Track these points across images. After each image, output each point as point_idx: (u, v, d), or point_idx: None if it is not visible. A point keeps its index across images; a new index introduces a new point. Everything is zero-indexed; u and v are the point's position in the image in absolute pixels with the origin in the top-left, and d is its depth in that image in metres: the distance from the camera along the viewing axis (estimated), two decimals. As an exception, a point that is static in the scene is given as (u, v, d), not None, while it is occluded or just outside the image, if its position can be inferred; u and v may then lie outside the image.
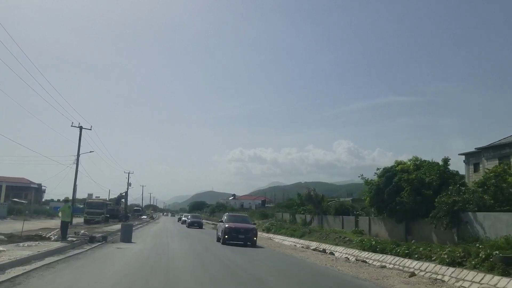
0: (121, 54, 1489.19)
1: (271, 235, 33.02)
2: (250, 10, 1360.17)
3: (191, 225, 43.41)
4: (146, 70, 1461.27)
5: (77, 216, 37.44)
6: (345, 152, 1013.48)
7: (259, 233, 36.73)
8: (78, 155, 34.80)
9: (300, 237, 27.80)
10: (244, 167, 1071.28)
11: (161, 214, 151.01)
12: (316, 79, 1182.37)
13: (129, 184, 72.98)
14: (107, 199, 62.08)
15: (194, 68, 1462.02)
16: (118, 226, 27.85)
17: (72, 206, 36.92)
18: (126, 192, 61.93)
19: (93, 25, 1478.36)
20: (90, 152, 35.81)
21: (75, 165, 34.89)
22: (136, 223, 44.36)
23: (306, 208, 37.61)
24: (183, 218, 53.72)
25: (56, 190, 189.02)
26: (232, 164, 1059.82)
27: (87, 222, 38.83)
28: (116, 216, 49.40)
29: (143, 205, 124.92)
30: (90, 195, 69.60)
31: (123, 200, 60.50)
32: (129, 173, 74.97)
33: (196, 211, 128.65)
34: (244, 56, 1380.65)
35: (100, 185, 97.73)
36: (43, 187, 75.23)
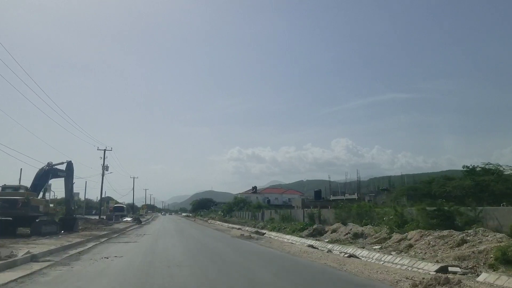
0: (117, 54, 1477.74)
1: None
2: (247, 8, 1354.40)
3: None
4: (143, 69, 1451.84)
5: None
6: (344, 150, 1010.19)
7: None
8: None
9: None
10: (242, 166, 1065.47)
11: (160, 214, 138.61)
12: (314, 78, 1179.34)
13: (105, 168, 47.85)
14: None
15: (192, 67, 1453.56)
16: None
17: None
18: (70, 164, 26.84)
19: (90, 25, 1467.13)
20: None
21: None
22: (52, 248, 14.52)
23: None
24: None
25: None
26: (231, 164, 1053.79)
27: None
28: (29, 220, 21.22)
29: (140, 205, 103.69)
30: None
31: (56, 183, 27.99)
32: (104, 150, 48.18)
33: (202, 211, 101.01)
34: (242, 55, 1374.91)
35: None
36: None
